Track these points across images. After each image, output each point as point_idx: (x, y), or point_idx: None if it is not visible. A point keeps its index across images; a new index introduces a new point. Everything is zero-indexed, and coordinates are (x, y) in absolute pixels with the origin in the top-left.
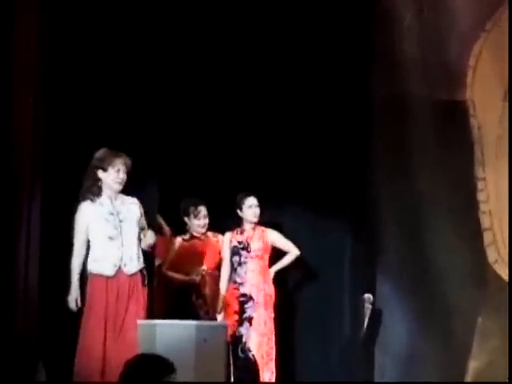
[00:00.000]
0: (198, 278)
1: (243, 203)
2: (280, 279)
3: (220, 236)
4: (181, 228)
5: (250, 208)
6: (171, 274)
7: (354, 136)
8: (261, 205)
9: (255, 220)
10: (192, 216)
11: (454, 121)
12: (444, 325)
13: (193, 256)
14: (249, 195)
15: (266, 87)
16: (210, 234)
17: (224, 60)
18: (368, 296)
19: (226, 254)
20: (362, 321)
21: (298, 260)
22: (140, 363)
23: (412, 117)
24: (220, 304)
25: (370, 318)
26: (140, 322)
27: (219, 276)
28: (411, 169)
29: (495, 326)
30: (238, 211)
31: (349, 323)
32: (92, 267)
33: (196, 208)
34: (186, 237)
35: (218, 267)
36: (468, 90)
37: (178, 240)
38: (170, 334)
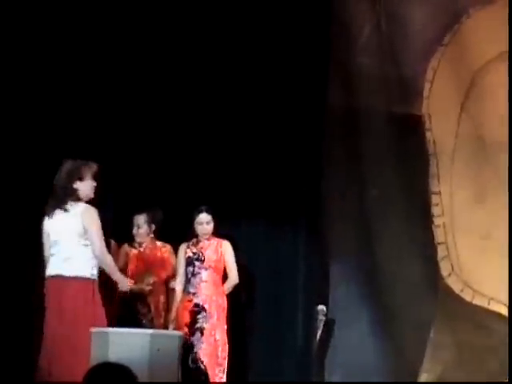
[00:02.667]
0: (147, 288)
1: (195, 219)
2: (233, 292)
3: (168, 246)
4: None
5: (201, 225)
6: None
7: (309, 148)
8: (216, 216)
9: (205, 237)
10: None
11: (410, 134)
12: (396, 336)
13: (141, 265)
14: (200, 212)
15: (222, 99)
16: (159, 243)
17: (177, 69)
18: (321, 308)
19: (181, 265)
20: (314, 333)
21: (251, 272)
22: (103, 371)
23: (368, 129)
24: (173, 314)
25: (322, 330)
26: (92, 329)
27: (165, 285)
28: (366, 180)
29: (447, 339)
30: (194, 224)
31: (302, 335)
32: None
33: (133, 217)
34: (134, 244)
35: (165, 276)
36: (424, 103)
37: (125, 247)
38: (123, 343)
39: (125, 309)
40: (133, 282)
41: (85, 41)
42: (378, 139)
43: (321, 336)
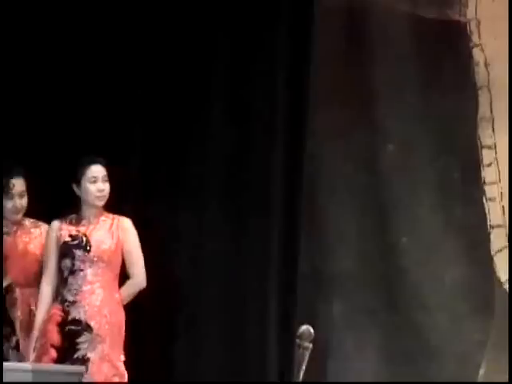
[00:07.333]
0: None
1: (83, 174)
2: (136, 300)
3: (45, 226)
4: None
5: (93, 183)
6: None
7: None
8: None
9: (99, 203)
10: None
11: (447, 53)
12: (426, 373)
13: None
14: (92, 162)
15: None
16: (27, 222)
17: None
18: (306, 329)
19: (50, 254)
20: (296, 366)
21: (175, 272)
22: None
23: (381, 45)
24: (35, 334)
25: (309, 362)
26: None
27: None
28: (377, 129)
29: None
30: (75, 187)
31: (275, 369)
32: None
33: (8, 181)
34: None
35: (31, 276)
36: (470, 5)
37: None
38: None
39: None
40: None
41: None
42: (395, 60)
43: (307, 370)
